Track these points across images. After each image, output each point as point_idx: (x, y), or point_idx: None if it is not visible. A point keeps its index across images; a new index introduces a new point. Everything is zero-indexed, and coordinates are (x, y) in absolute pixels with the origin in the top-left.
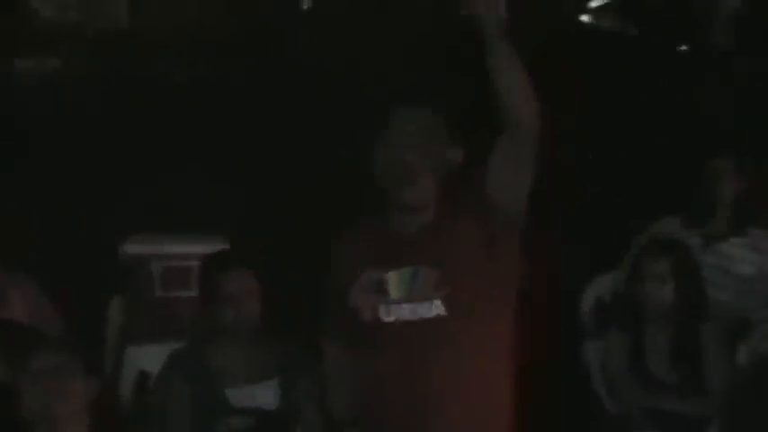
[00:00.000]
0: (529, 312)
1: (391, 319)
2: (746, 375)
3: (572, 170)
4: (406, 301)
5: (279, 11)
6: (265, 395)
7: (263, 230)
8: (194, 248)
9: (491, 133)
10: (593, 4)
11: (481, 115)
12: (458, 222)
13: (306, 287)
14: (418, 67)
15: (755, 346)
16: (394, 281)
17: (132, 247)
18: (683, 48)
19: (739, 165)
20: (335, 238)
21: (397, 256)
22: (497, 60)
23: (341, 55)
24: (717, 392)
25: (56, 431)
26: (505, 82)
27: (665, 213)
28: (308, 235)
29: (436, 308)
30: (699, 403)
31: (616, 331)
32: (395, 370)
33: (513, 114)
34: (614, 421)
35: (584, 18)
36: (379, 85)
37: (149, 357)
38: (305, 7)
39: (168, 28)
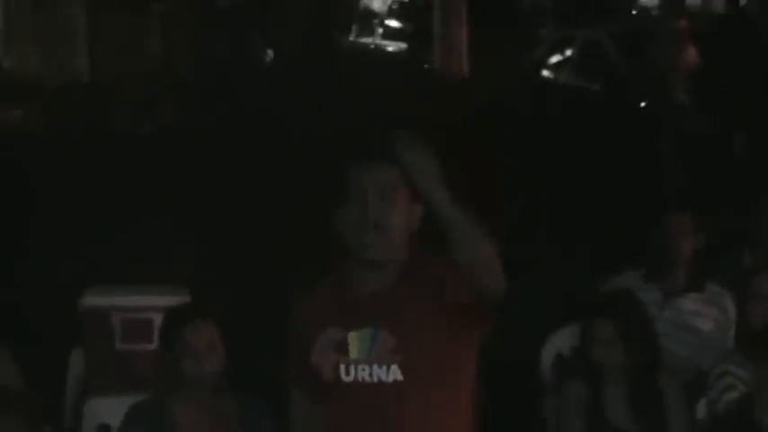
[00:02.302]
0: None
1: (350, 378)
2: (706, 430)
3: (536, 224)
4: (365, 363)
5: (239, 64)
6: None
7: (224, 283)
8: (155, 301)
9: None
10: (553, 60)
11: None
12: (422, 290)
13: (268, 339)
14: (382, 123)
15: (714, 401)
16: (354, 341)
17: (92, 300)
18: (643, 105)
19: (697, 221)
20: (299, 294)
21: (358, 317)
22: (457, 241)
23: (303, 110)
24: None
25: None
26: (468, 257)
27: (626, 268)
28: (270, 285)
29: (393, 372)
30: None
31: (575, 383)
32: (352, 428)
33: (477, 282)
34: None
35: (544, 73)
36: (342, 140)
37: (110, 411)
38: (267, 61)
39: (128, 81)
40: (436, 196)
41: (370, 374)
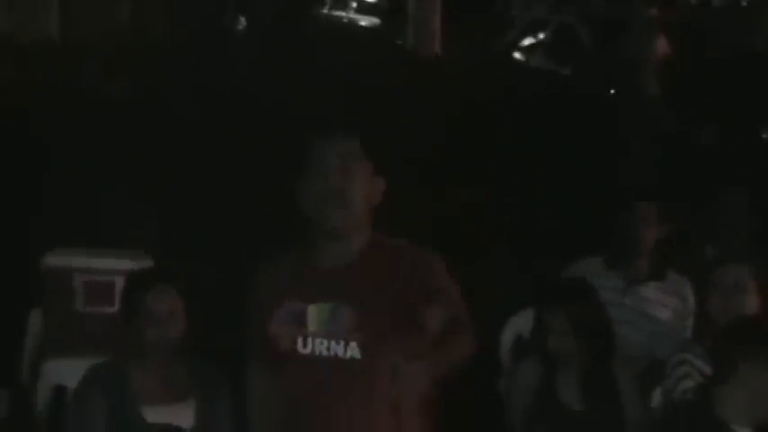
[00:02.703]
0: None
1: (307, 351)
2: (660, 419)
3: (502, 205)
4: (323, 337)
5: (210, 27)
6: (182, 415)
7: (187, 249)
8: (118, 264)
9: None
10: (526, 42)
11: (402, 147)
12: (384, 271)
13: (227, 308)
14: (344, 96)
15: (670, 389)
16: (313, 315)
17: (55, 260)
18: (613, 91)
19: (662, 211)
20: (260, 266)
21: (318, 290)
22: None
23: (272, 80)
24: (630, 426)
25: None
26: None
27: (587, 253)
28: (231, 255)
29: (351, 349)
30: None
31: (527, 366)
32: (308, 401)
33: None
34: None
35: (517, 55)
36: (308, 112)
37: (67, 372)
38: (238, 27)
39: (98, 40)
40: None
41: (328, 348)
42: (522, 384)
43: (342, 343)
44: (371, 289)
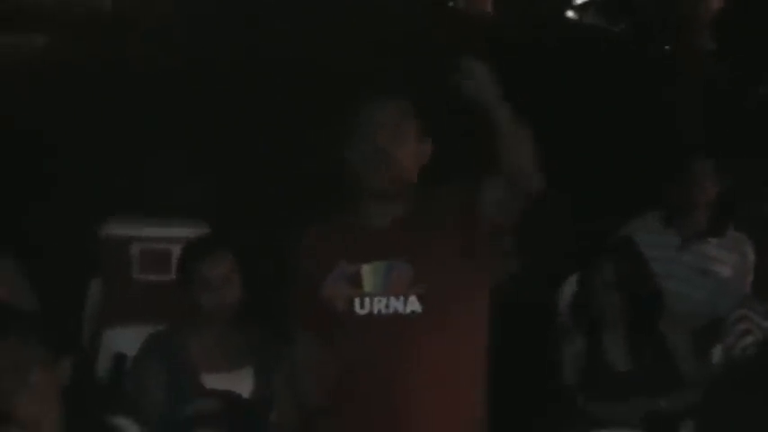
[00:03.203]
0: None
1: (365, 311)
2: (721, 375)
3: (558, 164)
4: (381, 295)
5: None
6: (241, 382)
7: (242, 217)
8: (174, 232)
9: (461, 129)
10: (579, 1)
11: (452, 112)
12: (436, 219)
13: (282, 274)
14: (390, 60)
15: (730, 346)
16: (368, 274)
17: (112, 229)
18: (667, 47)
19: (719, 166)
20: (309, 229)
21: (371, 250)
22: (502, 138)
23: (316, 47)
24: (686, 385)
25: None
26: (510, 154)
27: (647, 210)
28: (285, 223)
29: (411, 304)
30: (666, 399)
31: (575, 333)
32: (367, 362)
33: (514, 177)
34: (585, 416)
35: (569, 14)
36: (352, 77)
37: (127, 340)
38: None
39: (151, 12)
40: (487, 99)
41: (387, 306)
42: (569, 354)
43: (401, 298)
44: (422, 242)
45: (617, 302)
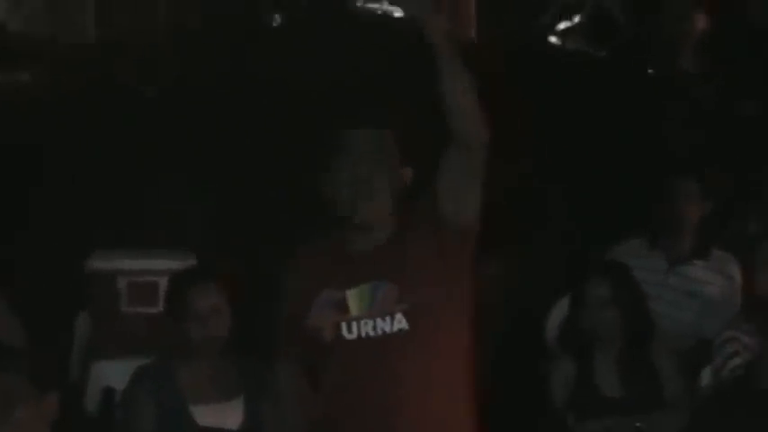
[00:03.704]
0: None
1: (353, 335)
2: (709, 398)
3: (538, 190)
4: (368, 318)
5: (246, 24)
6: (232, 413)
7: (228, 247)
8: (161, 264)
9: (440, 150)
10: (562, 26)
11: (430, 134)
12: (412, 236)
13: (269, 305)
14: (369, 88)
15: (719, 367)
16: (354, 298)
17: (98, 263)
18: (650, 70)
19: (703, 187)
20: (292, 257)
21: (355, 274)
22: (444, 76)
23: (305, 73)
24: (672, 408)
25: None
26: (452, 97)
27: (630, 235)
28: (272, 251)
29: (398, 321)
30: (653, 421)
31: (564, 356)
32: (359, 385)
33: (459, 128)
34: None
35: (552, 39)
36: (338, 103)
37: (115, 373)
38: (274, 25)
39: (136, 41)
40: (438, 40)
41: (374, 328)
42: (558, 378)
43: (388, 318)
44: (404, 260)
45: (611, 321)
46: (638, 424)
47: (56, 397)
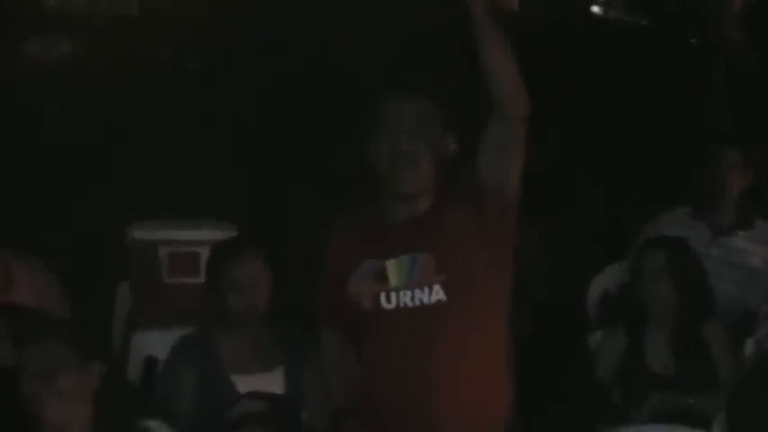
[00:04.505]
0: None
1: (392, 306)
2: (752, 368)
3: (583, 160)
4: (406, 288)
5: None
6: (272, 382)
7: (269, 218)
8: (202, 235)
9: (484, 122)
10: None
11: (476, 105)
12: (452, 207)
13: (310, 275)
14: (412, 57)
15: (761, 339)
16: (393, 268)
17: (140, 233)
18: (693, 39)
19: (747, 157)
20: (333, 228)
21: (395, 245)
22: (485, 44)
23: (336, 47)
24: (724, 388)
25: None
26: (493, 66)
27: (675, 204)
28: (311, 224)
29: (436, 293)
30: (701, 398)
31: (616, 326)
32: (396, 356)
33: (501, 97)
34: (618, 410)
35: (594, 8)
36: (375, 76)
37: (157, 343)
38: None
39: (178, 15)
40: (478, 8)
41: (412, 299)
42: (607, 351)
43: (426, 289)
44: (443, 233)
45: (666, 294)
46: (690, 400)
47: (98, 366)
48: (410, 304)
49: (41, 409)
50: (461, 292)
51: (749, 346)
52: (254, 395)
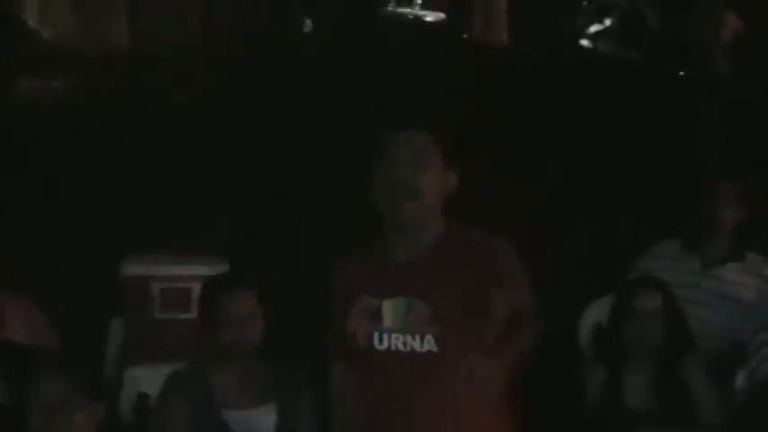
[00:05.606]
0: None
1: (383, 347)
2: (747, 398)
3: (573, 192)
4: (399, 332)
5: (278, 35)
6: (264, 418)
7: (263, 253)
8: (194, 270)
9: (484, 160)
10: (593, 30)
11: (474, 142)
12: (456, 260)
13: (304, 309)
14: (413, 95)
15: (753, 371)
16: (389, 310)
17: (132, 269)
18: (683, 73)
19: (739, 191)
20: (335, 263)
21: (393, 284)
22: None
23: (339, 83)
24: (704, 423)
25: None
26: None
27: (665, 237)
28: (304, 258)
29: (428, 342)
30: None
31: (596, 364)
32: (387, 394)
33: None
34: None
35: (584, 42)
36: (376, 112)
37: (149, 379)
38: (306, 31)
39: (168, 50)
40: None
41: (404, 344)
42: (591, 384)
43: (417, 337)
44: (444, 282)
45: (655, 333)
46: None
47: (104, 404)
48: (402, 349)
49: None
50: (454, 345)
51: (741, 378)
52: None
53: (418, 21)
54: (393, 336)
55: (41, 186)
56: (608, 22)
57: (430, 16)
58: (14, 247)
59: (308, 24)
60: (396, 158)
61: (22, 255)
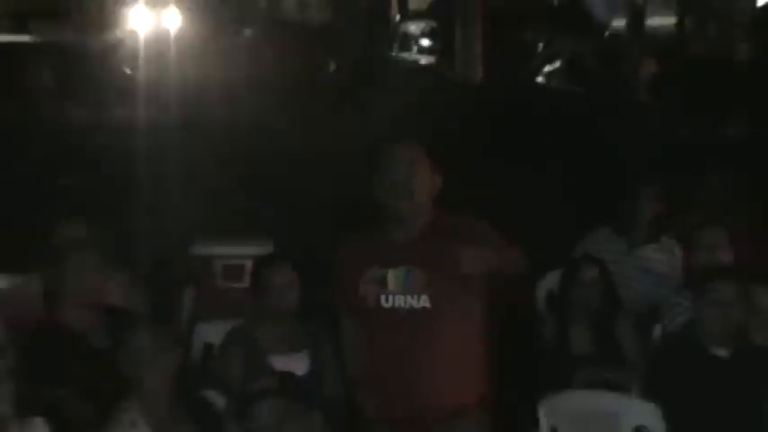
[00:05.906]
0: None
1: (389, 305)
2: (660, 347)
3: (537, 194)
4: (401, 294)
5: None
6: (299, 362)
7: (298, 238)
8: (247, 250)
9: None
10: (546, 69)
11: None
12: (442, 240)
13: (328, 281)
14: (410, 115)
15: (666, 325)
16: (392, 277)
17: (199, 250)
18: (615, 102)
19: (656, 190)
20: (347, 244)
21: (395, 258)
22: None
23: (358, 110)
24: (631, 363)
25: (146, 392)
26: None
27: (600, 225)
28: (330, 240)
29: (423, 301)
30: (615, 373)
31: (549, 321)
32: (391, 344)
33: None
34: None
35: (539, 79)
36: (382, 128)
37: (213, 333)
38: (329, 69)
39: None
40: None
41: (405, 302)
42: (543, 339)
43: (416, 297)
44: (434, 255)
45: (596, 296)
46: (608, 374)
47: (181, 351)
48: (403, 306)
49: (141, 378)
50: (443, 302)
51: (657, 331)
52: (273, 373)
53: (414, 63)
54: (396, 297)
55: (142, 192)
56: (557, 63)
57: (423, 59)
58: (115, 237)
59: (331, 65)
60: (395, 164)
61: (120, 243)
